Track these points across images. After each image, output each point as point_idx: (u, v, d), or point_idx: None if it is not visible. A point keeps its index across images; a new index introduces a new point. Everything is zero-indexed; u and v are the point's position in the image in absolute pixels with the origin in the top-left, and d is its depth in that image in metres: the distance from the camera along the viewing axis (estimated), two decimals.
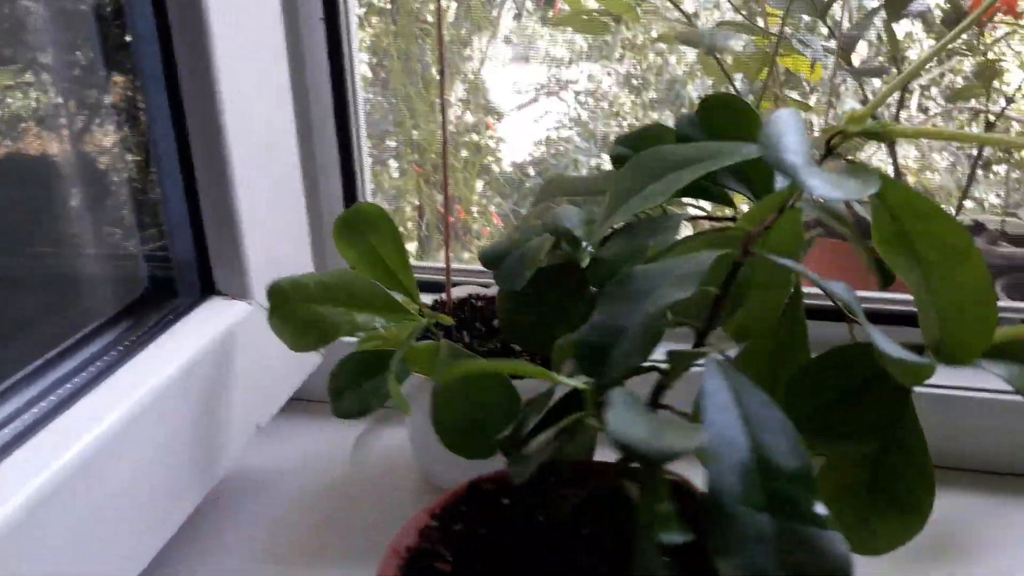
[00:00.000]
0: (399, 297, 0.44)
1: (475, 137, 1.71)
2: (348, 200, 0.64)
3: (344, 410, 0.47)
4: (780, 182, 0.45)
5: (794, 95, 0.98)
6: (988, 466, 0.56)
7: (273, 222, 0.53)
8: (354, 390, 0.47)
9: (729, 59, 0.86)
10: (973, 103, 0.91)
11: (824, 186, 0.28)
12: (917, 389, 0.33)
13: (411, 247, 1.54)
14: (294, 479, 0.57)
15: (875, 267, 0.39)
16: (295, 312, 0.44)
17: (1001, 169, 1.30)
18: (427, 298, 0.57)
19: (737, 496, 0.23)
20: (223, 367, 0.47)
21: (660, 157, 0.34)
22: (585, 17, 0.87)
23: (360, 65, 0.71)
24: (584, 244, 0.45)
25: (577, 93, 1.79)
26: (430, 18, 1.44)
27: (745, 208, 0.43)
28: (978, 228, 0.85)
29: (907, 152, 1.29)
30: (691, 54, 1.51)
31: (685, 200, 0.50)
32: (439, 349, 0.44)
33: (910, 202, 0.34)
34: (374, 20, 1.50)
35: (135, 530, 0.41)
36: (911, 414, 0.34)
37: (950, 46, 0.82)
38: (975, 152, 0.91)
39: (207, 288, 0.50)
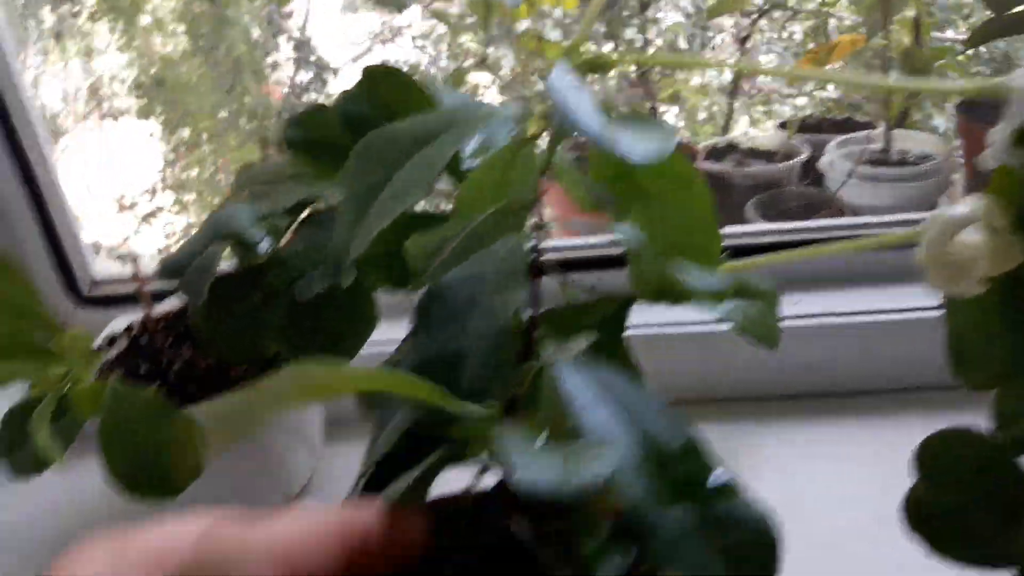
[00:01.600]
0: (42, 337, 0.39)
1: (314, 95, 1.61)
2: (38, 206, 0.55)
3: (20, 467, 0.41)
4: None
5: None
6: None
7: None
8: (27, 444, 0.41)
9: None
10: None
11: (634, 146, 0.25)
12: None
13: None
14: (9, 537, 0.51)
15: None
16: None
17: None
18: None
19: (649, 499, 0.22)
20: None
21: (393, 138, 0.29)
22: None
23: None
24: (259, 245, 0.41)
25: (413, 38, 1.71)
26: None
27: None
28: (730, 148, 0.85)
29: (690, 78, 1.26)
30: None
31: None
32: (104, 388, 0.39)
33: None
34: None
35: None
36: None
37: None
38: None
39: None
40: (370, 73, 0.40)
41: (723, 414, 0.54)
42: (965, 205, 0.26)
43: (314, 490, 0.51)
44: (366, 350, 0.42)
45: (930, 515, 0.28)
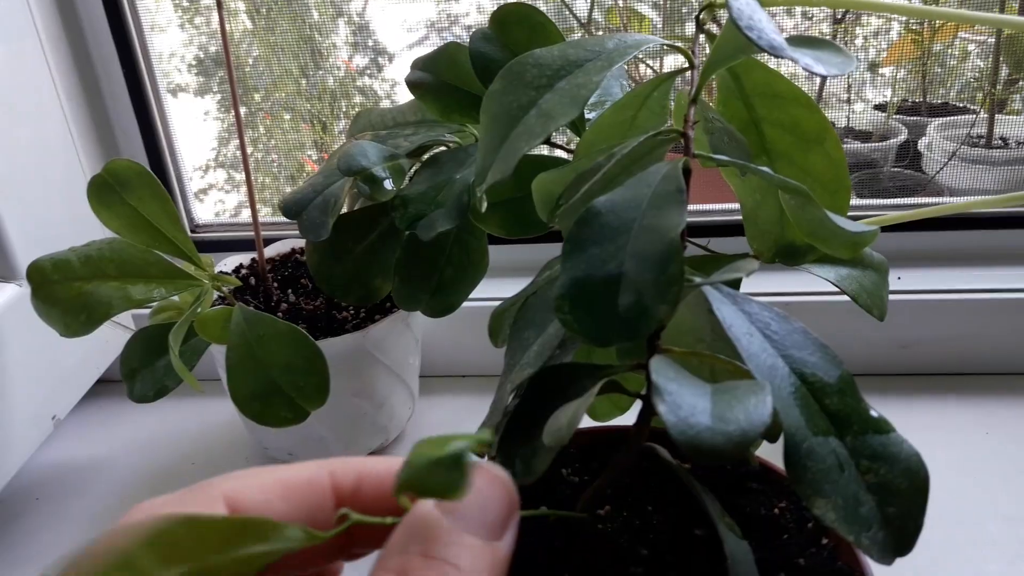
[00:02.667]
0: (179, 262, 0.39)
1: (367, 81, 1.63)
2: (152, 156, 0.58)
3: (139, 394, 0.42)
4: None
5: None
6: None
7: (39, 193, 0.47)
8: (147, 370, 0.42)
9: None
10: None
11: (813, 62, 0.25)
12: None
13: None
14: (115, 467, 0.52)
15: None
16: (59, 293, 0.39)
17: (888, 71, 1.30)
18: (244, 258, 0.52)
19: (805, 427, 0.21)
20: None
21: (541, 62, 0.28)
22: None
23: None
24: (385, 183, 0.41)
25: (469, 27, 1.73)
26: None
27: None
28: None
29: None
30: None
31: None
32: (231, 314, 0.39)
33: (769, 84, 0.30)
34: None
35: None
36: None
37: None
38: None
39: None
40: (500, 16, 0.40)
41: None
42: None
43: (407, 440, 0.52)
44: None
45: None
